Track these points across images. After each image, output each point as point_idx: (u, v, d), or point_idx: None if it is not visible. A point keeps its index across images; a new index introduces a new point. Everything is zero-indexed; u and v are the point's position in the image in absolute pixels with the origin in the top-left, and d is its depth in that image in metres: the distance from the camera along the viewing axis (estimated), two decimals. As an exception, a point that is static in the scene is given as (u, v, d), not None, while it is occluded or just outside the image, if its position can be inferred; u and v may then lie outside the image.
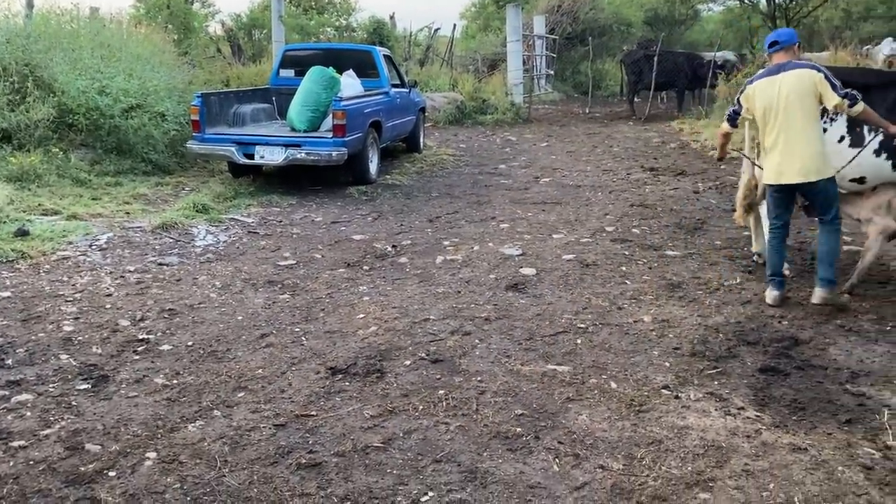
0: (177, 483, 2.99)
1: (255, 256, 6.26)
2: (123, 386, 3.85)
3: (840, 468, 3.11)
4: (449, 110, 16.80)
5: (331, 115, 8.67)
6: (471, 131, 15.63)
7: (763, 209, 5.61)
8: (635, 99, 18.96)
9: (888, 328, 4.64)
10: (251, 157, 8.66)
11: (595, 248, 6.52)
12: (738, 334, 4.56)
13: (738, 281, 5.58)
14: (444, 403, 3.67)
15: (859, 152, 5.11)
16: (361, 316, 4.88)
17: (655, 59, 17.29)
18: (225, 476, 3.05)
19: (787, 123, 4.77)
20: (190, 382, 3.90)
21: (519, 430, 3.42)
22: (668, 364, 4.15)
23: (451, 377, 3.97)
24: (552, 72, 24.66)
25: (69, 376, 3.93)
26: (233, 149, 8.67)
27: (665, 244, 6.62)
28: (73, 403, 3.65)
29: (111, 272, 5.70)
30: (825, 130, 5.11)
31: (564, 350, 4.34)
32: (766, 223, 5.54)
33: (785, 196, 5.00)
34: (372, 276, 5.75)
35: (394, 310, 4.99)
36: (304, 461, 3.16)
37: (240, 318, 4.84)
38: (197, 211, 7.54)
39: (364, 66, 10.58)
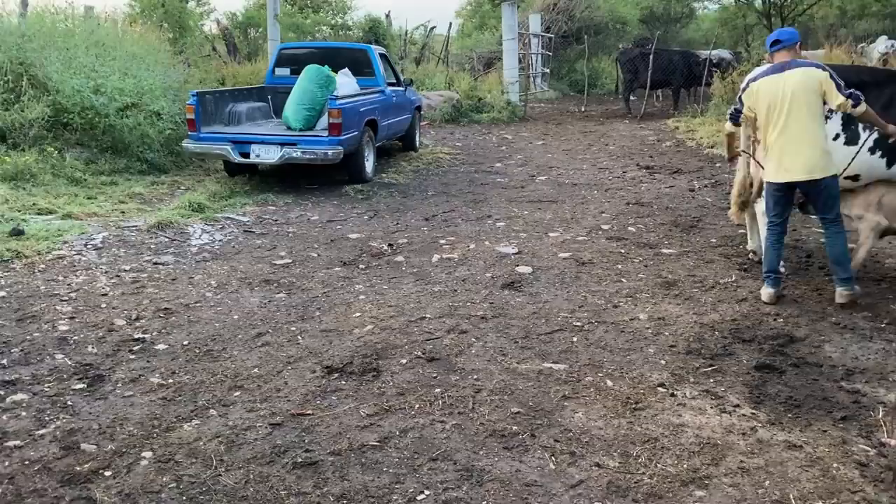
0: (173, 482, 2.99)
1: (250, 255, 6.26)
2: (119, 385, 3.84)
3: (835, 465, 3.13)
4: (445, 109, 16.80)
5: (326, 114, 8.66)
6: (467, 130, 15.62)
7: (759, 206, 5.63)
8: (631, 97, 18.99)
9: (882, 325, 4.66)
10: (247, 155, 8.65)
11: (591, 246, 6.53)
12: (733, 332, 4.57)
13: (733, 279, 5.59)
14: (441, 402, 3.67)
15: (859, 151, 5.14)
16: (357, 315, 4.88)
17: (651, 57, 17.31)
18: (221, 475, 3.05)
19: (793, 121, 4.78)
20: (186, 382, 3.90)
21: (515, 428, 3.42)
22: (663, 362, 4.15)
23: (447, 375, 3.97)
24: (548, 70, 24.67)
25: (64, 376, 3.93)
26: (228, 148, 8.66)
27: (661, 242, 6.63)
28: (69, 403, 3.64)
29: (106, 271, 5.69)
30: None
31: (560, 348, 4.34)
32: (762, 220, 5.56)
33: (786, 194, 5.02)
34: (368, 275, 5.75)
35: (390, 308, 4.99)
36: (300, 460, 3.15)
37: (236, 317, 4.84)
38: (193, 210, 7.53)
39: (360, 65, 10.58)
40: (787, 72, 4.82)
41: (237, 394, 3.77)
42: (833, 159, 4.90)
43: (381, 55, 11.30)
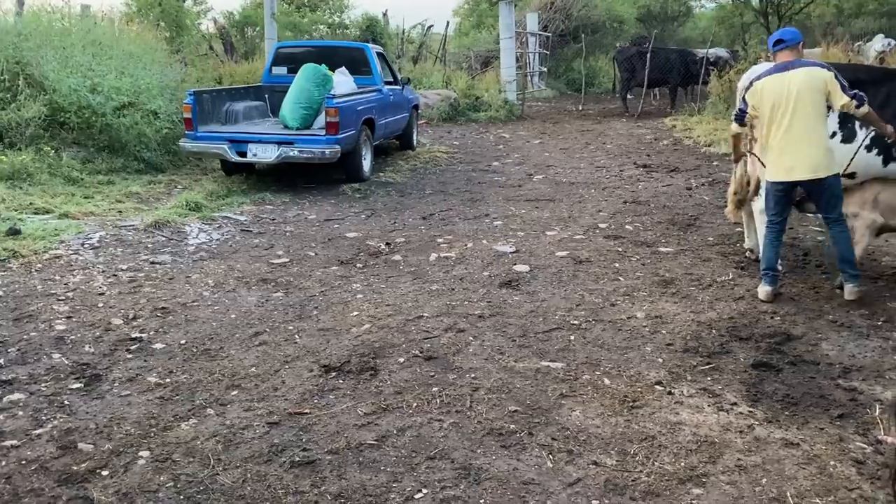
0: (170, 482, 2.99)
1: (248, 254, 6.25)
2: (116, 385, 3.84)
3: (832, 462, 3.13)
4: (442, 108, 16.79)
5: (324, 113, 8.65)
6: (464, 129, 15.62)
7: (755, 205, 5.63)
8: (628, 96, 18.98)
9: (879, 323, 4.67)
10: (244, 154, 8.64)
11: (588, 244, 6.53)
12: (730, 330, 4.58)
13: (730, 277, 5.59)
14: (438, 400, 3.67)
15: (858, 149, 5.15)
16: (355, 313, 4.88)
17: (648, 55, 17.31)
18: (218, 474, 3.04)
19: (797, 120, 4.78)
20: (183, 381, 3.89)
21: (512, 426, 3.43)
22: (660, 360, 4.16)
23: (444, 374, 3.97)
24: (545, 69, 24.66)
25: (61, 375, 3.92)
26: (225, 147, 8.65)
27: (658, 241, 6.64)
28: (66, 402, 3.64)
29: (103, 271, 5.68)
30: None
31: (558, 347, 4.35)
32: (759, 219, 5.57)
33: (788, 192, 5.03)
34: (365, 274, 5.75)
35: (387, 307, 4.99)
36: (297, 459, 3.15)
37: (233, 316, 4.83)
38: (190, 209, 7.52)
39: (357, 64, 10.57)
40: (791, 71, 4.83)
41: (234, 393, 3.76)
42: (835, 158, 4.92)
43: (379, 54, 11.29)
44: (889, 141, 4.98)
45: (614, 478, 3.02)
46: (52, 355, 4.17)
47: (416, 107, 12.58)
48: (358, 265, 5.98)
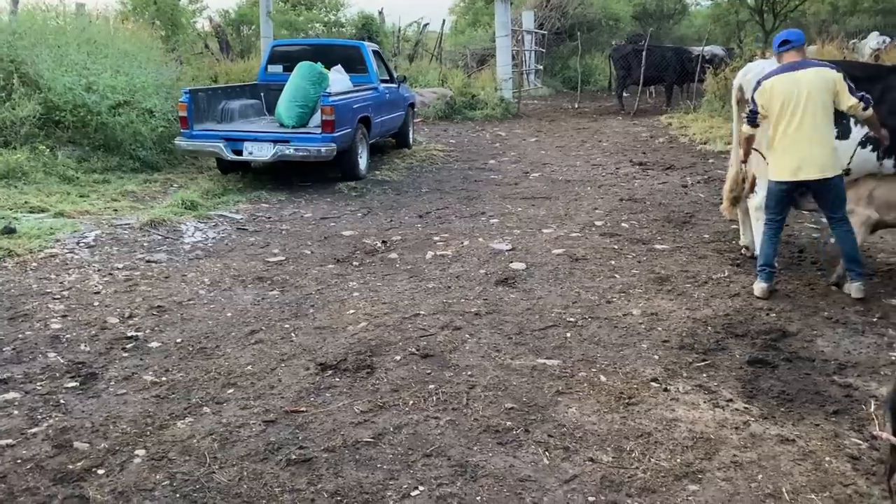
0: (166, 480, 2.99)
1: (244, 253, 6.24)
2: (112, 383, 3.83)
3: (827, 459, 3.14)
4: (438, 106, 16.78)
5: (319, 111, 8.64)
6: (460, 127, 15.62)
7: (751, 202, 5.64)
8: (624, 94, 19.00)
9: (874, 319, 4.68)
10: (239, 153, 8.63)
11: (584, 242, 6.54)
12: (726, 327, 4.59)
13: (726, 274, 5.61)
14: (435, 398, 3.67)
15: (857, 147, 5.17)
16: (351, 312, 4.88)
17: (644, 53, 17.32)
18: (214, 473, 3.04)
19: (806, 120, 4.78)
20: (179, 379, 3.89)
21: (509, 423, 3.43)
22: (656, 357, 4.17)
23: (441, 372, 3.97)
24: (541, 67, 24.66)
25: (57, 374, 3.91)
26: (221, 145, 8.64)
27: (654, 238, 6.65)
28: (61, 401, 3.63)
29: (99, 269, 5.66)
30: None
31: (554, 344, 4.35)
32: (754, 215, 5.58)
33: (791, 192, 5.04)
34: (362, 272, 5.75)
35: (384, 305, 4.99)
36: (294, 457, 3.15)
37: (229, 314, 4.83)
38: (185, 208, 7.50)
39: (353, 62, 10.55)
40: (800, 71, 4.83)
41: (231, 391, 3.76)
42: (839, 157, 4.93)
43: (375, 52, 11.28)
44: (882, 145, 5.02)
45: (610, 474, 3.03)
46: (48, 354, 4.16)
47: (412, 105, 12.58)
48: (354, 263, 5.98)
